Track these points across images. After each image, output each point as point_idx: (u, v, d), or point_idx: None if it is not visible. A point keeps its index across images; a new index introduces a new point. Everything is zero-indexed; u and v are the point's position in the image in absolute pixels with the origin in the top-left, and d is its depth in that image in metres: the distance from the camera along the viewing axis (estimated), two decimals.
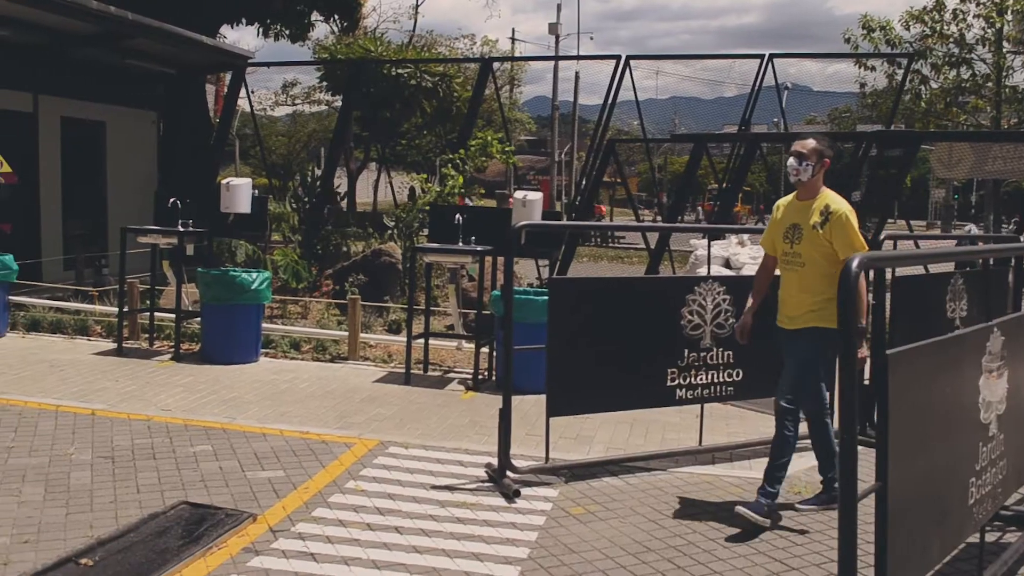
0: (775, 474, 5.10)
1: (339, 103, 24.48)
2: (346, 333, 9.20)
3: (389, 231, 13.20)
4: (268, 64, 19.54)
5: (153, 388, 7.63)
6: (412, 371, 8.20)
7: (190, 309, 9.49)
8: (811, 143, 5.05)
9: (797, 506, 5.23)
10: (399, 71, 21.40)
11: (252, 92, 19.32)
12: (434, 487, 5.42)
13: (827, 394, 5.16)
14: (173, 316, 9.25)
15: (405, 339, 8.46)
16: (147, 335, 9.69)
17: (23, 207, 13.92)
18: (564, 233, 11.54)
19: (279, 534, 4.62)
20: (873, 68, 21.35)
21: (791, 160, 5.06)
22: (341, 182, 24.86)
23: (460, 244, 8.20)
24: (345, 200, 26.47)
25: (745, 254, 11.94)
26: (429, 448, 6.17)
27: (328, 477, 5.51)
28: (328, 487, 5.33)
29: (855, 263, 2.82)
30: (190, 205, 9.38)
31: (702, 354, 6.09)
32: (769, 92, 17.00)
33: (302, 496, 5.17)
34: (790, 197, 5.22)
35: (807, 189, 5.06)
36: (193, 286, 9.77)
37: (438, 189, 12.70)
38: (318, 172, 17.73)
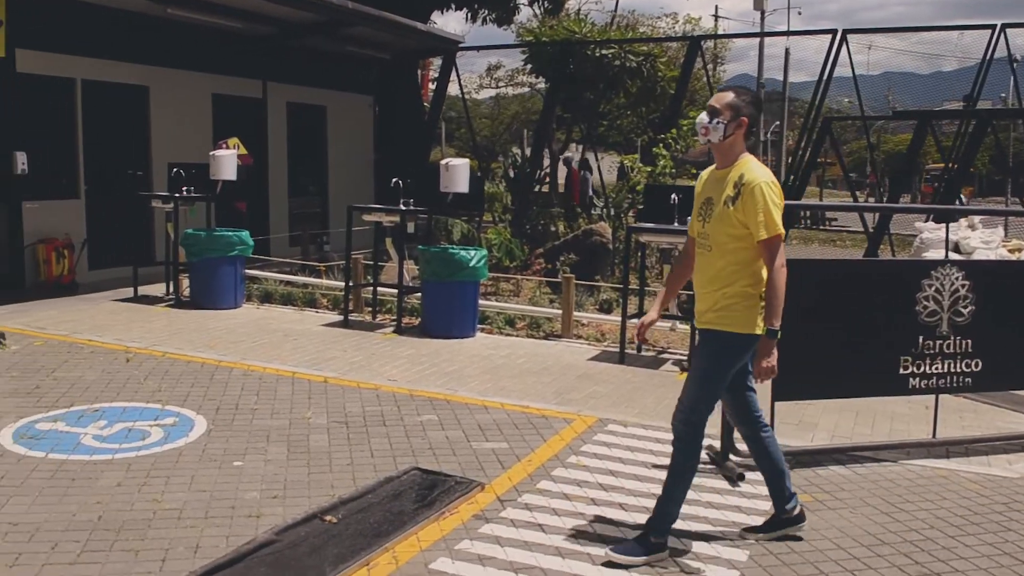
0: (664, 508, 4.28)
1: (541, 85, 24.69)
2: (559, 311, 9.31)
3: (598, 211, 13.23)
4: (477, 48, 20.02)
5: (379, 359, 7.99)
6: (626, 351, 8.20)
7: (410, 285, 9.86)
8: (727, 97, 4.15)
9: (609, 553, 4.15)
10: (603, 52, 21.32)
11: (460, 76, 19.83)
12: (655, 466, 5.39)
13: (703, 420, 4.22)
14: (395, 291, 9.64)
15: (617, 318, 8.47)
16: (370, 309, 10.15)
17: (255, 187, 14.87)
18: None
19: (507, 504, 4.73)
20: None
21: (702, 116, 4.21)
22: (547, 163, 25.11)
23: (676, 224, 8.10)
24: (548, 181, 26.74)
25: (976, 238, 11.18)
26: (648, 427, 6.15)
27: (550, 451, 5.59)
28: (551, 461, 5.42)
29: None
30: (410, 184, 9.73)
31: (938, 342, 5.77)
32: (993, 65, 15.77)
33: (526, 468, 5.28)
34: (711, 168, 4.38)
35: (723, 155, 4.21)
36: (413, 263, 10.13)
37: (648, 169, 12.60)
38: (528, 153, 17.97)
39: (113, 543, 4.14)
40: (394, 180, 9.61)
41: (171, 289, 10.93)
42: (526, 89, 37.55)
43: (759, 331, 4.13)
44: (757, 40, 39.15)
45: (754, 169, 4.10)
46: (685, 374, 7.63)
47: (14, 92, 10.80)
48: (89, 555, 4.01)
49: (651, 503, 4.76)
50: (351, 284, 9.93)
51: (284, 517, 4.48)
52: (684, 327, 8.64)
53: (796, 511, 4.49)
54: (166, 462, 5.25)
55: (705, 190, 4.29)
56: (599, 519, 4.58)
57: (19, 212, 10.97)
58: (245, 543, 4.09)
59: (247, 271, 11.10)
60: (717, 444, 5.52)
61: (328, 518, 4.43)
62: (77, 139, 11.94)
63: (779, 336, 4.09)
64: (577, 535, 4.37)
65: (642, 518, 4.59)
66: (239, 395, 6.71)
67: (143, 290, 10.95)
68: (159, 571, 3.87)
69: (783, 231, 4.08)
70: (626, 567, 4.05)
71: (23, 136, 11.02)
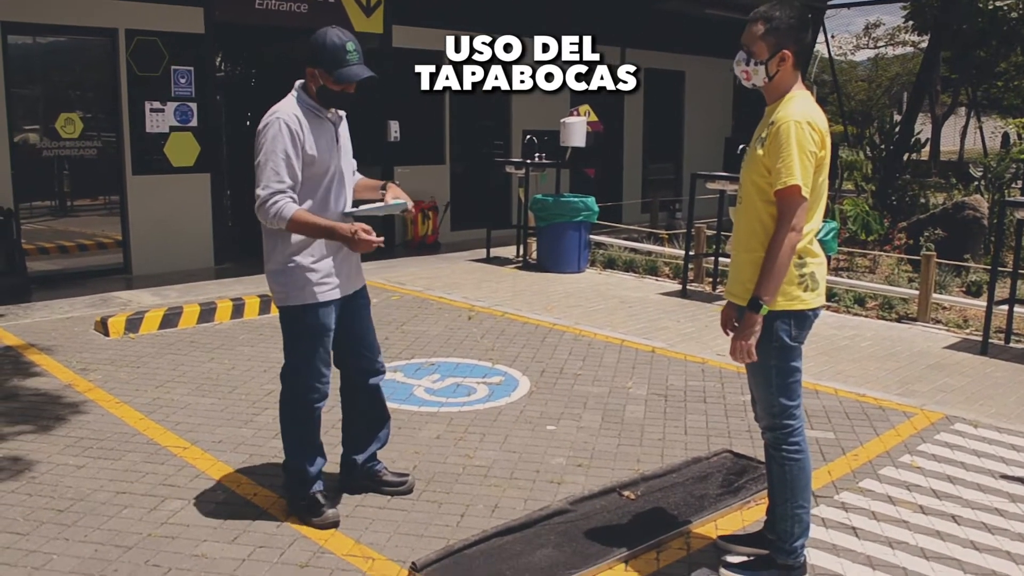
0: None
1: (925, 44, 22.70)
2: (916, 292, 8.48)
3: (975, 183, 11.89)
4: (848, 5, 18.69)
5: (711, 331, 7.74)
6: (991, 340, 7.28)
7: None
8: (760, 29, 3.33)
9: (722, 570, 3.64)
10: (998, 4, 19.12)
11: (832, 36, 18.71)
12: (1004, 477, 4.72)
13: (796, 417, 3.48)
14: None
15: (985, 303, 7.54)
16: (710, 279, 9.91)
17: (608, 154, 15.04)
18: None
19: (820, 500, 4.36)
20: None
21: (739, 56, 3.41)
22: (924, 129, 23.13)
23: None
24: (927, 148, 24.60)
25: None
26: (1003, 431, 5.41)
27: (881, 447, 5.09)
28: (879, 457, 4.93)
29: None
30: None
31: None
32: None
33: (850, 463, 4.84)
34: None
35: (769, 92, 3.41)
36: None
37: None
38: (898, 118, 16.61)
39: (421, 493, 4.34)
40: (740, 147, 9.23)
41: (520, 252, 11.37)
42: (908, 48, 34.87)
43: (802, 306, 3.36)
44: None
45: (792, 105, 3.32)
46: None
47: (390, 65, 11.71)
48: (397, 502, 4.23)
49: (992, 519, 4.20)
50: (691, 253, 9.73)
51: (584, 487, 4.46)
52: None
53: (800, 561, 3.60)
54: (485, 420, 5.43)
55: (755, 133, 3.53)
56: (924, 530, 4.07)
57: (391, 176, 11.92)
58: (539, 509, 4.11)
59: (594, 237, 11.26)
60: None
61: (627, 493, 4.34)
62: (444, 108, 12.74)
63: (765, 312, 3.28)
64: (893, 544, 3.92)
65: (976, 535, 4.04)
66: (565, 359, 6.80)
67: (495, 252, 11.50)
68: (456, 525, 4.00)
69: (802, 184, 3.22)
70: None
71: (396, 106, 11.94)
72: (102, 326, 7.30)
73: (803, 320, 3.41)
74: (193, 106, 10.04)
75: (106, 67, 9.55)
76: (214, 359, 6.58)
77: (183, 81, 9.93)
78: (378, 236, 3.80)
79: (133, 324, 7.33)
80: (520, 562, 3.60)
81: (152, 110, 9.73)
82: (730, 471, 4.68)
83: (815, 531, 4.01)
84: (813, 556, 3.78)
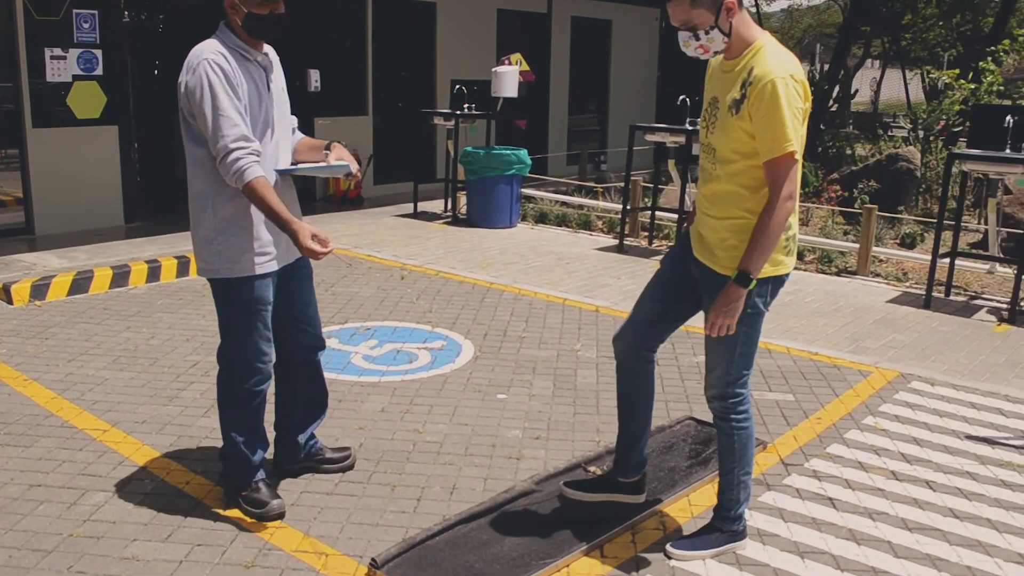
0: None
1: None
2: (854, 245, 8.40)
3: (906, 134, 11.89)
4: None
5: None
6: (932, 293, 7.22)
7: (691, 209, 9.27)
8: (684, 2, 2.97)
9: (668, 548, 3.41)
10: None
11: None
12: (970, 437, 4.61)
13: (746, 386, 3.32)
14: (674, 216, 9.10)
15: (922, 256, 7.50)
16: (646, 234, 9.69)
17: (533, 105, 14.67)
18: None
19: (791, 468, 4.18)
20: None
21: (683, 37, 3.06)
22: (852, 83, 23.28)
23: (1007, 151, 6.95)
24: (840, 100, 24.81)
25: None
26: (959, 388, 5.32)
27: (843, 408, 4.94)
28: (843, 420, 4.77)
29: None
30: (699, 103, 9.06)
31: None
32: None
33: (814, 427, 4.67)
34: (720, 56, 3.17)
35: (732, 45, 3.04)
36: (694, 186, 9.51)
37: (970, 86, 11.09)
38: (815, 69, 16.58)
39: (371, 475, 4.01)
40: (681, 98, 8.98)
41: (449, 206, 10.99)
42: (820, 1, 35.11)
43: (784, 270, 3.16)
44: None
45: (768, 58, 2.95)
46: (1005, 326, 6.63)
47: (306, 11, 11.10)
48: (346, 486, 3.89)
49: (965, 484, 4.06)
50: (628, 208, 9.48)
51: (545, 461, 4.19)
52: (1005, 270, 7.52)
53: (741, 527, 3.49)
54: (431, 389, 5.11)
55: (711, 86, 3.20)
56: (901, 499, 3.91)
57: (311, 128, 11.37)
58: (503, 491, 3.82)
59: (523, 190, 10.93)
60: None
61: (593, 469, 4.09)
62: (366, 56, 12.19)
63: (752, 285, 3.04)
64: (874, 516, 3.75)
65: (954, 501, 3.90)
66: (508, 320, 6.50)
67: (423, 206, 11.09)
68: (413, 511, 3.69)
69: (797, 148, 2.92)
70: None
71: (316, 54, 11.35)
72: (4, 293, 6.72)
73: (779, 285, 3.24)
74: (98, 53, 9.32)
75: (0, 10, 8.77)
76: (131, 328, 6.09)
77: (86, 26, 9.20)
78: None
79: (39, 290, 6.77)
80: (489, 552, 3.31)
81: (53, 57, 8.99)
82: (695, 440, 4.46)
83: (793, 504, 3.83)
84: (795, 532, 3.58)
